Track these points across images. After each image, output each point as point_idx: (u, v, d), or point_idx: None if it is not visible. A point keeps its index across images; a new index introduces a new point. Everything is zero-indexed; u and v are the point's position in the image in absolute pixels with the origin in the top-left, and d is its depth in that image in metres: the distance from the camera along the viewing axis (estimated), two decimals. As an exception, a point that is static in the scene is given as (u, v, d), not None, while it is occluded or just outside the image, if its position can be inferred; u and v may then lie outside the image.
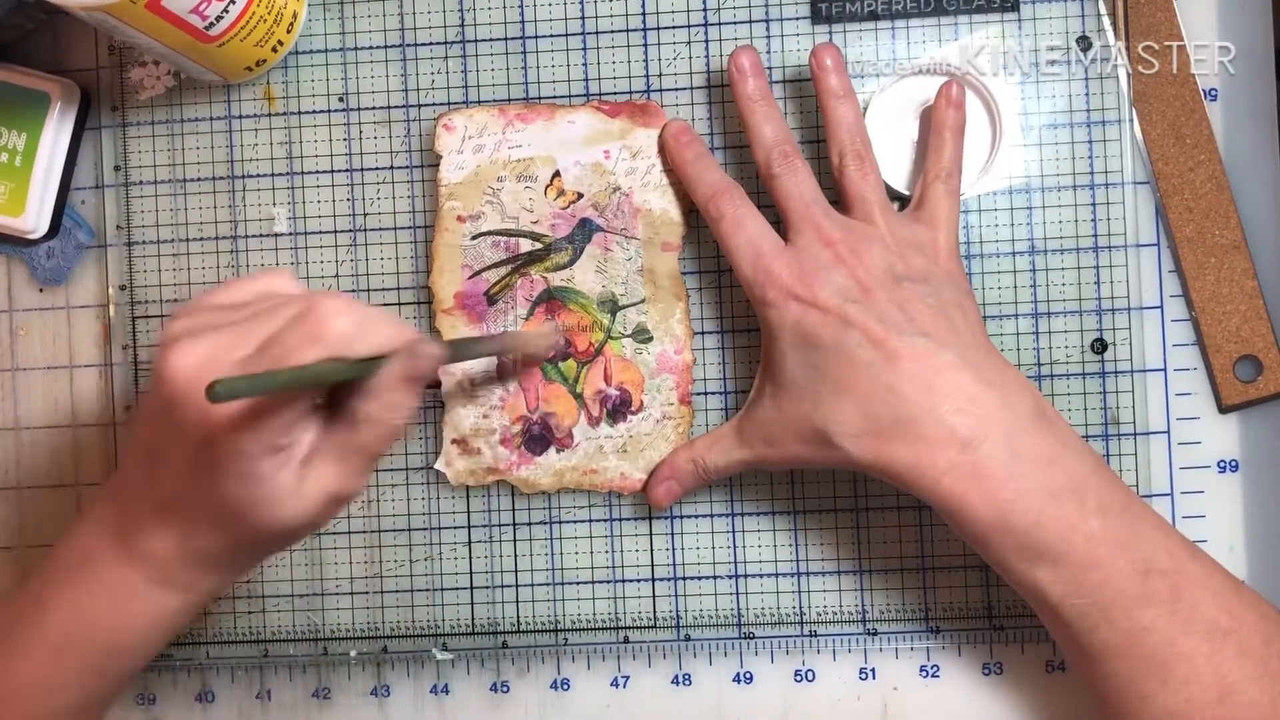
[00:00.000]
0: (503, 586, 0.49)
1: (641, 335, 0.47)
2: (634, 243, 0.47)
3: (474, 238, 0.47)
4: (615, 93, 0.48)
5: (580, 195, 0.47)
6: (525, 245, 0.47)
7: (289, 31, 0.48)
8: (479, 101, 0.49)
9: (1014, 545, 0.39)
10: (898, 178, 0.46)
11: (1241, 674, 0.38)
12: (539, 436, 0.47)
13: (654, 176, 0.47)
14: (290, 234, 0.49)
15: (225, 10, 0.43)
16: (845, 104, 0.44)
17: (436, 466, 0.48)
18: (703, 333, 0.48)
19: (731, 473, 0.45)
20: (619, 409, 0.47)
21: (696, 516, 0.48)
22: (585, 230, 0.47)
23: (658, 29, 0.48)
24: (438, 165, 0.47)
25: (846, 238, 0.42)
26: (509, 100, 0.48)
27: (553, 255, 0.47)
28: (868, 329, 0.40)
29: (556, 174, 0.47)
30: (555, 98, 0.48)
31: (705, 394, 0.48)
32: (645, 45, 0.48)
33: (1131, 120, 0.47)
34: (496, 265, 0.47)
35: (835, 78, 0.44)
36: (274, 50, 0.48)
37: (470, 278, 0.47)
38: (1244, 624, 0.38)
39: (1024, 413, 0.39)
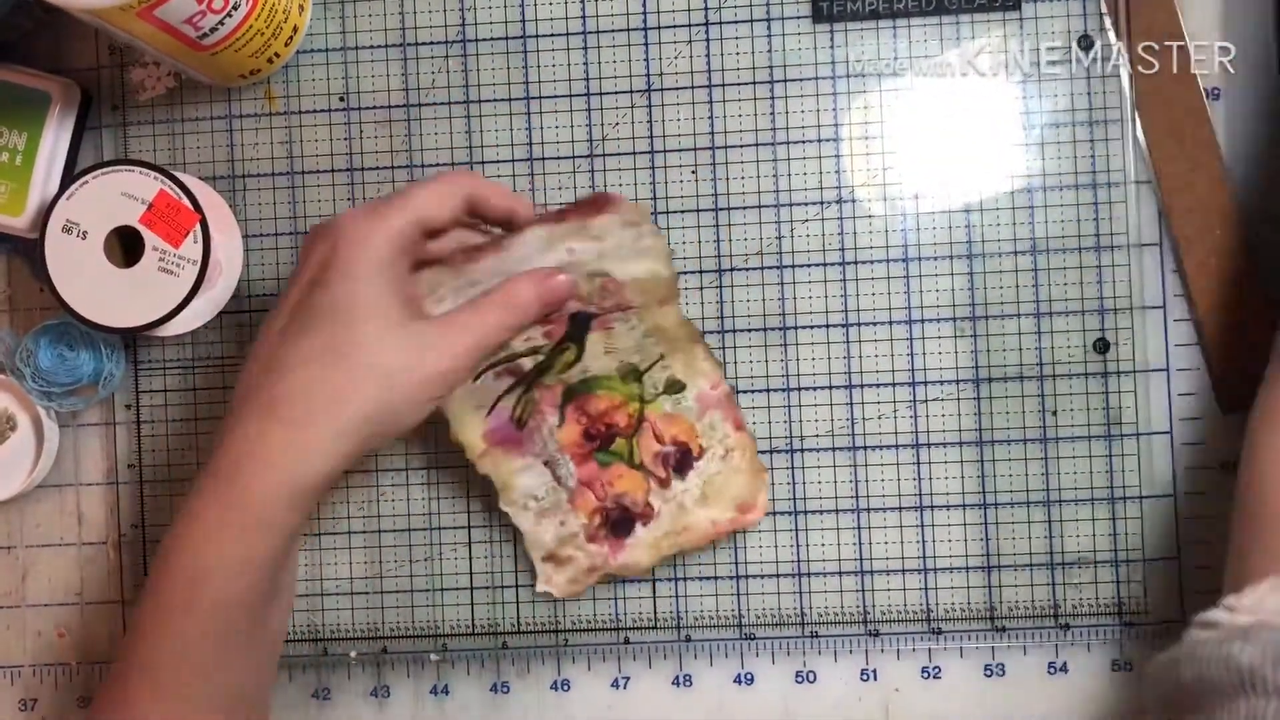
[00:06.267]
0: (503, 587, 0.49)
1: (674, 388, 0.46)
2: (632, 313, 0.46)
3: (476, 380, 0.45)
4: (615, 91, 0.48)
5: None
6: (528, 364, 0.46)
7: (287, 45, 0.48)
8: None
9: None
10: (899, 179, 0.46)
11: None
12: (620, 520, 0.46)
13: (626, 247, 0.45)
14: (290, 235, 0.49)
15: (220, 23, 0.43)
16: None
17: (538, 589, 0.47)
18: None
19: None
20: (682, 462, 0.47)
21: (697, 517, 0.48)
22: (579, 324, 0.46)
23: (658, 28, 0.48)
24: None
25: None
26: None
27: (559, 359, 0.46)
28: None
29: None
30: (556, 96, 0.48)
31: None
32: (645, 45, 0.48)
33: (1133, 120, 0.47)
34: (509, 392, 0.46)
35: None
36: (269, 62, 0.48)
37: (489, 415, 0.46)
38: None
39: None
